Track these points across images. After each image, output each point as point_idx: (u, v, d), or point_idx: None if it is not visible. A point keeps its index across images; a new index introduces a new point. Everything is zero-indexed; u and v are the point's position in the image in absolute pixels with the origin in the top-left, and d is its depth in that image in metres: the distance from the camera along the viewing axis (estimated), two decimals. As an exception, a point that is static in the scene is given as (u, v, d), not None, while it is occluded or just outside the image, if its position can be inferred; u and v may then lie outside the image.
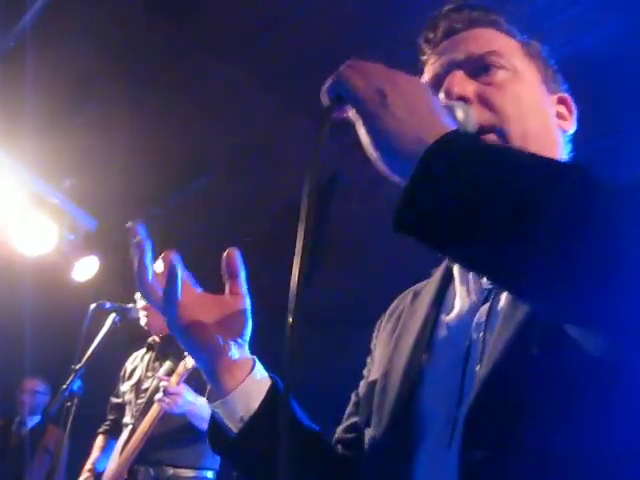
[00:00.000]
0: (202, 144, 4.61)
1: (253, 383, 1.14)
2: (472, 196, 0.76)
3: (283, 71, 3.84)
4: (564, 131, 1.23)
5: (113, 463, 3.54)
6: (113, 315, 3.55)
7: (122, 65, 3.86)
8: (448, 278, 1.21)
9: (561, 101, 1.26)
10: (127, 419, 3.70)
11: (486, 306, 1.07)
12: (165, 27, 3.57)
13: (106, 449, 3.89)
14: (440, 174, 0.78)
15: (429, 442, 1.04)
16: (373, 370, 1.25)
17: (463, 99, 1.11)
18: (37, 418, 5.50)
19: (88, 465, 3.83)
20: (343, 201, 3.63)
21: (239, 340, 1.15)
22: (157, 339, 3.88)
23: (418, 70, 1.29)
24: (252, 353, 1.18)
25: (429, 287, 1.24)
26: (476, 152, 0.81)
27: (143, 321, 3.79)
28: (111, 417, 3.97)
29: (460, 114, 1.07)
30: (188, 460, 3.48)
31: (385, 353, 1.22)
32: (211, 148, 4.63)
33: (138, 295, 3.79)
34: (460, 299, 1.15)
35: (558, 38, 3.47)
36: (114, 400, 3.97)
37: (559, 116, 1.24)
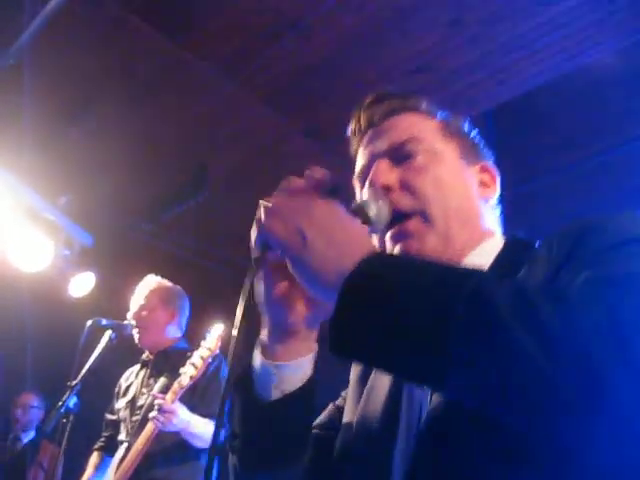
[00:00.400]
0: (200, 159, 4.62)
1: (305, 365, 1.14)
2: (387, 321, 0.84)
3: (282, 86, 3.86)
4: (487, 198, 1.34)
5: (108, 481, 3.52)
6: (109, 332, 3.54)
7: (119, 80, 3.87)
8: None
9: (483, 170, 1.37)
10: (122, 436, 3.68)
11: None
12: (164, 41, 3.58)
13: (101, 466, 3.86)
14: (357, 304, 0.87)
15: None
16: (347, 410, 1.31)
17: (386, 188, 1.23)
18: (32, 433, 5.47)
19: (83, 481, 3.81)
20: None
21: (316, 321, 1.14)
22: (151, 356, 3.87)
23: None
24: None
25: None
26: (386, 279, 0.87)
27: (136, 337, 3.79)
28: (106, 434, 3.95)
29: (373, 210, 1.18)
30: (183, 477, 3.45)
31: (356, 399, 1.29)
32: (209, 163, 4.63)
33: (130, 314, 3.79)
34: None
35: (556, 54, 3.49)
36: (109, 417, 3.95)
37: (482, 184, 1.35)
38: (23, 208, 3.82)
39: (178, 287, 3.99)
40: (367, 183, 1.27)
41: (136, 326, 3.76)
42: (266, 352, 1.13)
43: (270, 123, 4.15)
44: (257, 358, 1.15)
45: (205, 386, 3.50)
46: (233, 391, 1.17)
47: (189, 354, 3.49)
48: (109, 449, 3.84)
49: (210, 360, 3.43)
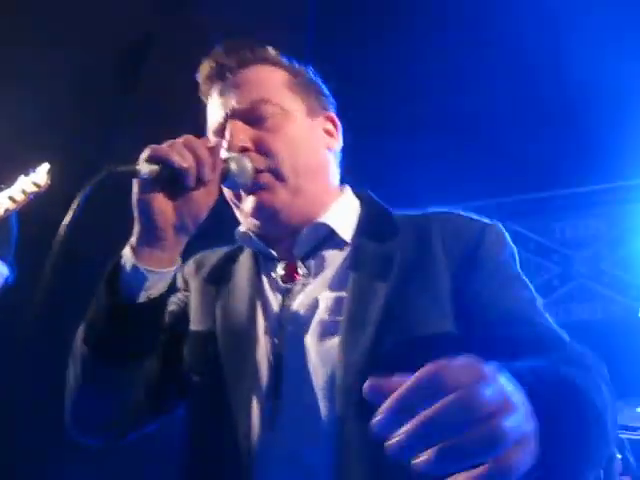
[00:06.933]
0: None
1: (168, 277, 1.23)
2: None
3: None
4: (332, 148, 1.48)
5: None
6: None
7: None
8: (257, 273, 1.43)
9: (328, 119, 1.50)
10: None
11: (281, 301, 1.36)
12: None
13: None
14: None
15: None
16: (197, 320, 1.41)
17: (243, 150, 1.34)
18: None
19: None
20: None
21: (187, 231, 1.25)
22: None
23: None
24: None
25: (242, 271, 1.44)
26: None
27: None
28: None
29: (234, 166, 1.28)
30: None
31: (206, 311, 1.40)
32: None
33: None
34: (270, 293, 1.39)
35: None
36: None
37: (327, 133, 1.48)
38: None
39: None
40: (226, 144, 1.35)
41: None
42: (137, 254, 1.20)
43: None
44: (129, 259, 1.20)
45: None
46: (100, 286, 1.21)
47: (2, 186, 3.00)
48: None
49: (32, 197, 2.97)
